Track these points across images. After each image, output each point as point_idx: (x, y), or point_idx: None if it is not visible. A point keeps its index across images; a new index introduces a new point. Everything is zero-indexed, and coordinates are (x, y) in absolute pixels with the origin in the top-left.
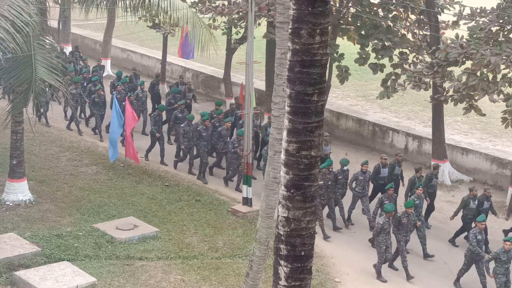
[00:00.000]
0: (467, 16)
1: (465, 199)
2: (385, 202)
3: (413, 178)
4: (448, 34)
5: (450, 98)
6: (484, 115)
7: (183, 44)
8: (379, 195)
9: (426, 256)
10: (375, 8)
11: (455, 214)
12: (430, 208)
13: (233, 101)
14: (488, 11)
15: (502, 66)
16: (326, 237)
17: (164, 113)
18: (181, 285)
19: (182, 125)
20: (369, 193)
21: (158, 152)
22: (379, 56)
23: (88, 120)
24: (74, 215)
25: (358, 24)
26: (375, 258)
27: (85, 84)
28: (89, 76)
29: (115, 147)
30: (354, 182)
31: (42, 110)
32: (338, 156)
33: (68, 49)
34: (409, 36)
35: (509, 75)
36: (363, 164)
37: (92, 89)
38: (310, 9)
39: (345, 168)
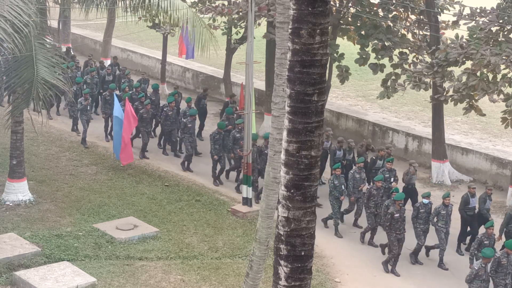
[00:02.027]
0: (467, 16)
1: (509, 213)
2: (485, 242)
3: (511, 212)
4: (448, 34)
5: (450, 98)
6: (484, 115)
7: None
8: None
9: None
10: (375, 8)
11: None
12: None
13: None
14: (488, 11)
15: (502, 66)
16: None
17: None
18: (181, 285)
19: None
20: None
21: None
22: (379, 56)
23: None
24: (74, 215)
25: (358, 24)
26: (375, 258)
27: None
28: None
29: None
30: (436, 217)
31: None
32: None
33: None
34: (409, 36)
35: (509, 75)
36: (445, 197)
37: (139, 107)
38: (310, 9)
39: (427, 201)
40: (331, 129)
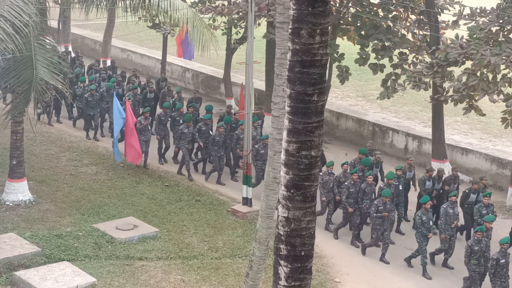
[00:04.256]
0: (467, 16)
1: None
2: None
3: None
4: (448, 34)
5: (450, 98)
6: (484, 115)
7: (183, 44)
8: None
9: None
10: (375, 8)
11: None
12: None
13: (233, 103)
14: (488, 11)
15: (502, 66)
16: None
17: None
18: (181, 285)
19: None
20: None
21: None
22: (379, 56)
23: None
24: (74, 215)
25: (358, 24)
26: (375, 258)
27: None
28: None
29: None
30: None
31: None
32: (338, 156)
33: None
34: (409, 36)
35: (509, 75)
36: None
37: (202, 128)
38: (310, 9)
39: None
40: (331, 130)
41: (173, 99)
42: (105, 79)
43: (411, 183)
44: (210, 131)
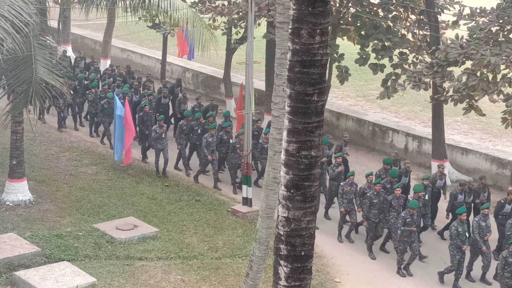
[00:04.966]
0: (467, 16)
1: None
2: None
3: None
4: (448, 34)
5: (450, 98)
6: (484, 115)
7: (183, 45)
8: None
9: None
10: (375, 8)
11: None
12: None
13: (233, 103)
14: (488, 11)
15: (502, 66)
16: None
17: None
18: (181, 285)
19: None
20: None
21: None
22: (379, 56)
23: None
24: (74, 215)
25: (358, 24)
26: (375, 258)
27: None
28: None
29: (120, 147)
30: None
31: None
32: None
33: (67, 49)
34: (409, 36)
35: (509, 75)
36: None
37: (224, 137)
38: (310, 9)
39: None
40: (331, 130)
41: (192, 106)
42: (120, 86)
43: (441, 191)
44: (231, 139)
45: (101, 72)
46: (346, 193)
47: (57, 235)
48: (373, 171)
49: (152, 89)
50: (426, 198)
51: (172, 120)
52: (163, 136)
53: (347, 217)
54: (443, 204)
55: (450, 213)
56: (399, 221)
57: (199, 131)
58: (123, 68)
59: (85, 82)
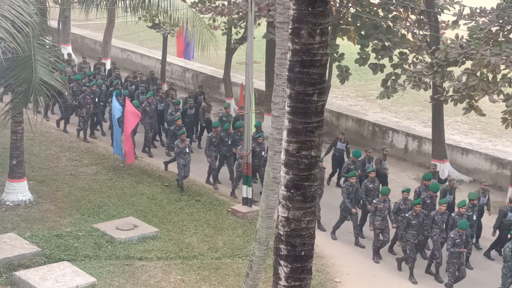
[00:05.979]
0: (467, 16)
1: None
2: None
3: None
4: (448, 34)
5: (450, 98)
6: (484, 115)
7: (181, 45)
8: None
9: None
10: (375, 8)
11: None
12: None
13: (233, 103)
14: (488, 11)
15: (502, 66)
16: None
17: None
18: (181, 285)
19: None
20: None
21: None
22: (379, 56)
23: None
24: (74, 215)
25: (358, 24)
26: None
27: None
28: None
29: (119, 144)
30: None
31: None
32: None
33: (67, 49)
34: (409, 36)
35: (509, 75)
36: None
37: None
38: (310, 9)
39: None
40: (331, 130)
41: (220, 115)
42: (143, 92)
43: (484, 208)
44: (263, 152)
45: (122, 79)
46: (380, 211)
47: (57, 235)
48: (410, 188)
49: (175, 97)
50: (474, 218)
51: (195, 129)
52: (186, 150)
53: (380, 236)
54: (488, 221)
55: (497, 230)
56: (449, 242)
57: (229, 142)
58: (146, 75)
59: (110, 89)
